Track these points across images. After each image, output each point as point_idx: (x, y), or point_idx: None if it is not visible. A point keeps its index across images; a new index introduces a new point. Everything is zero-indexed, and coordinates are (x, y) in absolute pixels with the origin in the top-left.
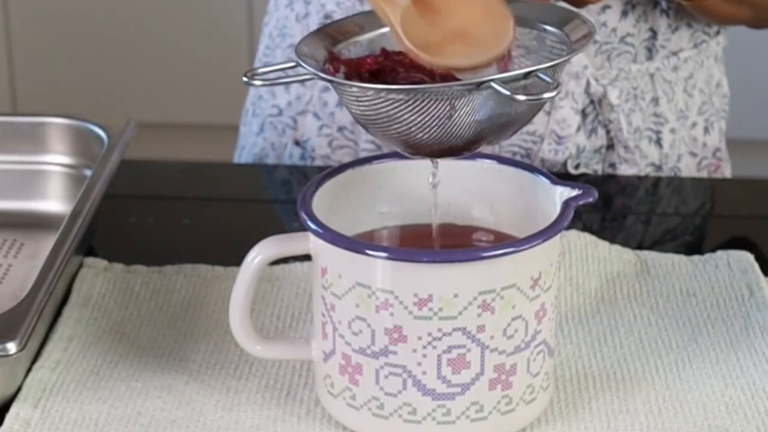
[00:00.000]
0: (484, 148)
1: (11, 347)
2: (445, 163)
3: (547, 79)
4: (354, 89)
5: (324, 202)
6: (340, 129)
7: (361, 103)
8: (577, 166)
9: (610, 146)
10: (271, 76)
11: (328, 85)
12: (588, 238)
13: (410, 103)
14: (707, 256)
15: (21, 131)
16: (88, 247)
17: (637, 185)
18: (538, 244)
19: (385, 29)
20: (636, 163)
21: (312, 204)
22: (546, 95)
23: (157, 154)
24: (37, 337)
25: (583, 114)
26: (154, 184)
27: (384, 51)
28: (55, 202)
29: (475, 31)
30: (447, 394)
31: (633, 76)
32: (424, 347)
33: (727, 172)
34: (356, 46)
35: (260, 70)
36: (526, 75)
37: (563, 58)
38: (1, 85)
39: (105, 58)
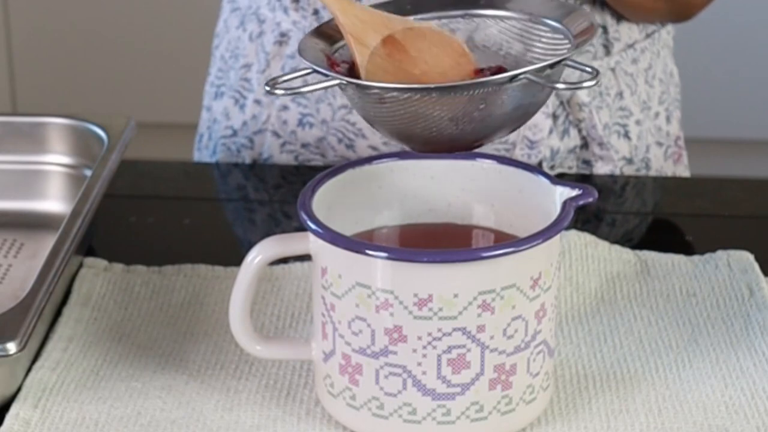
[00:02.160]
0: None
1: (11, 347)
2: (446, 163)
3: (587, 68)
4: (376, 91)
5: (324, 202)
6: (304, 146)
7: (383, 105)
8: (552, 167)
9: (584, 145)
10: (294, 84)
11: (287, 103)
12: (588, 238)
13: (441, 101)
14: (707, 256)
15: (21, 131)
16: (88, 247)
17: (638, 185)
18: (538, 244)
19: None
20: (611, 158)
21: (312, 204)
22: (586, 84)
23: (157, 154)
24: (37, 337)
25: (554, 116)
26: (154, 184)
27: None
28: (55, 202)
29: (441, 79)
30: (447, 394)
31: None
32: (424, 347)
33: (686, 160)
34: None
35: (281, 79)
36: (553, 65)
37: (583, 46)
38: (1, 85)
39: (105, 58)
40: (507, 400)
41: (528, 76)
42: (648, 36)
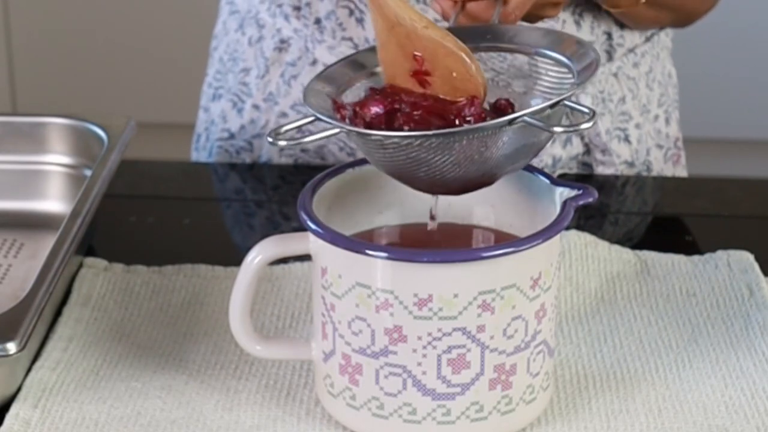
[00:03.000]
0: None
1: (11, 347)
2: None
3: (584, 109)
4: (375, 137)
5: (324, 202)
6: (304, 151)
7: (386, 150)
8: (553, 173)
9: (586, 152)
10: (296, 135)
11: (286, 110)
12: (588, 238)
13: (441, 145)
14: (707, 256)
15: (21, 131)
16: (88, 247)
17: (638, 185)
18: (538, 244)
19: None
20: (613, 163)
21: (312, 204)
22: (584, 126)
23: (157, 154)
24: (37, 337)
25: None
26: (154, 184)
27: (373, 90)
28: (55, 202)
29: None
30: (447, 394)
31: (598, 80)
32: (424, 347)
33: (684, 161)
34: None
35: (284, 129)
36: (552, 106)
37: (587, 81)
38: (1, 85)
39: (105, 58)
40: (507, 400)
41: (525, 119)
42: (648, 39)
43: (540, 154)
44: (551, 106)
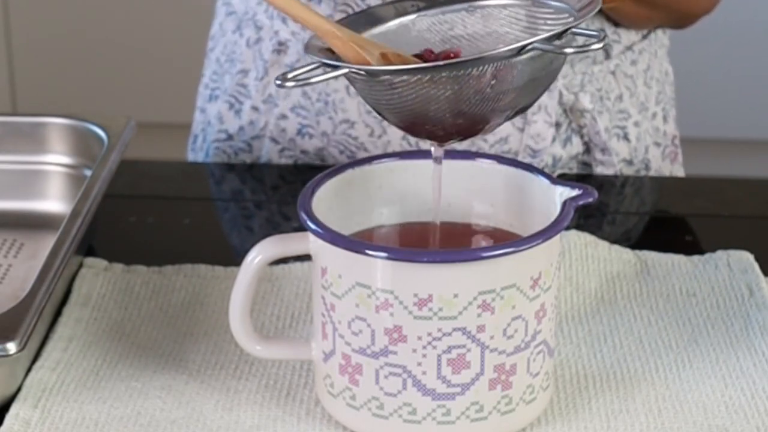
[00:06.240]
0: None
1: (11, 347)
2: (446, 163)
3: (592, 32)
4: (387, 76)
5: (324, 202)
6: (304, 152)
7: (394, 91)
8: (552, 173)
9: (586, 151)
10: (302, 76)
11: (286, 113)
12: (588, 238)
13: (452, 79)
14: (707, 256)
15: (21, 131)
16: (88, 247)
17: (638, 185)
18: (538, 244)
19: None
20: (612, 163)
21: (312, 204)
22: (594, 46)
23: (157, 154)
24: (37, 337)
25: (557, 125)
26: (154, 184)
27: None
28: (55, 202)
29: None
30: (447, 394)
31: (596, 78)
32: (424, 347)
33: (680, 159)
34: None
35: (290, 74)
36: (561, 34)
37: (590, 14)
38: (1, 85)
39: (105, 58)
40: (507, 400)
41: (536, 45)
42: (645, 37)
43: (541, 153)
44: (559, 36)
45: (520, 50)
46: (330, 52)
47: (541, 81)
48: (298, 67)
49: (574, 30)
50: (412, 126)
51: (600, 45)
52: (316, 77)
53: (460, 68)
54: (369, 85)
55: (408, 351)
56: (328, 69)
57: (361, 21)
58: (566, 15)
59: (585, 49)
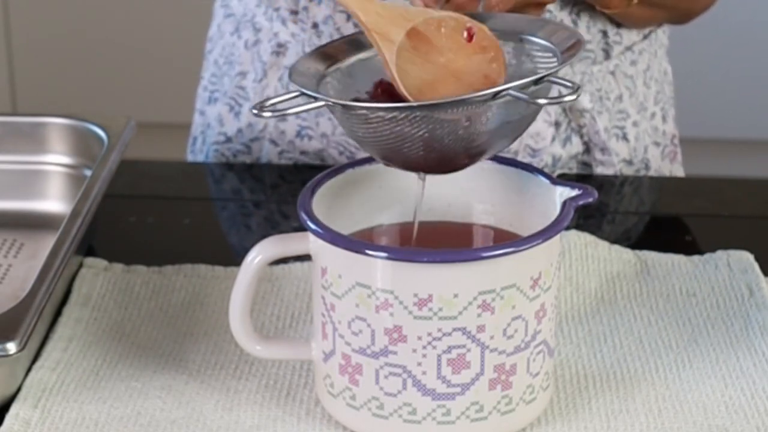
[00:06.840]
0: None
1: (11, 347)
2: None
3: (567, 83)
4: (363, 111)
5: (324, 202)
6: (303, 153)
7: (370, 125)
8: (552, 173)
9: (585, 151)
10: (280, 106)
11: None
12: (588, 238)
13: (425, 119)
14: (707, 256)
15: (21, 131)
16: (88, 247)
17: (638, 185)
18: (538, 244)
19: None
20: (612, 163)
21: (312, 204)
22: (567, 98)
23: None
24: (37, 337)
25: (556, 124)
26: (154, 184)
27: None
28: (55, 202)
29: (468, 65)
30: (447, 394)
31: (596, 78)
32: (424, 347)
33: (680, 158)
34: (343, 71)
35: (269, 102)
36: (537, 81)
37: (570, 60)
38: (1, 85)
39: (105, 58)
40: (507, 400)
41: (511, 92)
42: (645, 37)
43: (540, 153)
44: (536, 82)
45: (495, 95)
46: (325, 68)
47: (514, 125)
48: (274, 96)
49: (550, 78)
50: (388, 159)
51: (573, 97)
52: (293, 108)
53: (434, 109)
54: (346, 117)
55: (408, 351)
56: (311, 99)
57: (342, 48)
58: (550, 55)
59: (559, 100)
